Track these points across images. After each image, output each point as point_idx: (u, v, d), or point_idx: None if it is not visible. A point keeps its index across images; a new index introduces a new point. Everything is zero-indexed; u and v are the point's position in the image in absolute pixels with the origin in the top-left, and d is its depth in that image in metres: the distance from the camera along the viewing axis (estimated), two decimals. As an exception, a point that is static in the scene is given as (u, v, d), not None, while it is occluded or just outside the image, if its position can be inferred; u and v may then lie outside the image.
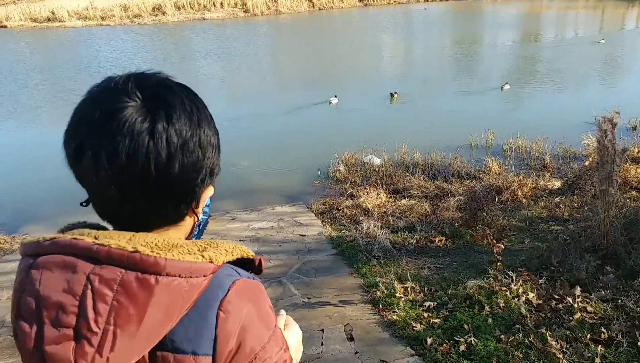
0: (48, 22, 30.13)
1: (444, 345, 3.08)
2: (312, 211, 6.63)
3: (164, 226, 0.79)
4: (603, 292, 3.42)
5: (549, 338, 2.94)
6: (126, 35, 25.90)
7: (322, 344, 3.26)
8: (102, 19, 30.34)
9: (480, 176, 7.45)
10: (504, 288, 3.55)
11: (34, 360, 0.68)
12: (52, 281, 0.69)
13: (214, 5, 32.17)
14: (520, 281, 3.62)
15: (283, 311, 1.03)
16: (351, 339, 3.31)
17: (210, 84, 15.05)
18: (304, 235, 5.57)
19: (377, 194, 6.88)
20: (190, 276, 0.72)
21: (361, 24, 28.70)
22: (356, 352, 3.16)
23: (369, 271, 4.33)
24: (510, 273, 3.68)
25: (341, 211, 6.55)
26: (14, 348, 3.39)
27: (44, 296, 0.68)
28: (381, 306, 3.67)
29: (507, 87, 12.76)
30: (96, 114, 0.72)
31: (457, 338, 3.10)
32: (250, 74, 16.82)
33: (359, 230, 5.43)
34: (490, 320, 3.25)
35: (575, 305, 3.26)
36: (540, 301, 3.42)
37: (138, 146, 0.71)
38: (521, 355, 2.84)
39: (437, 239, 5.24)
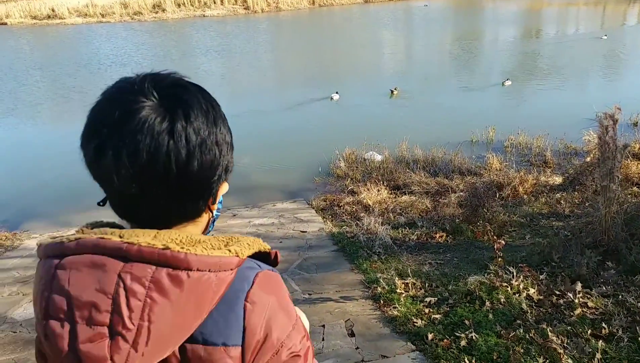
0: (48, 20, 30.10)
1: (445, 340, 3.08)
2: (313, 208, 6.63)
3: (183, 222, 0.81)
4: (604, 288, 3.42)
5: (549, 333, 2.94)
6: (126, 32, 25.86)
7: (323, 340, 3.26)
8: (102, 16, 30.30)
9: (481, 172, 7.45)
10: (505, 284, 3.55)
11: (68, 359, 0.69)
12: (82, 281, 0.70)
13: (214, 2, 32.10)
14: (521, 277, 3.62)
15: None
16: (352, 335, 3.31)
17: (211, 81, 15.03)
18: (305, 231, 5.57)
19: (378, 191, 6.88)
20: (219, 270, 0.74)
21: (362, 20, 28.63)
22: (357, 348, 3.16)
23: (370, 267, 4.34)
24: (511, 268, 3.68)
25: (342, 207, 6.55)
26: (15, 344, 3.40)
27: (75, 296, 0.69)
28: (382, 302, 3.68)
29: (508, 83, 12.73)
30: (115, 114, 0.73)
31: (457, 334, 3.10)
32: (251, 70, 16.80)
33: (360, 226, 5.43)
34: (491, 316, 3.25)
35: (576, 301, 3.26)
36: (541, 297, 3.42)
37: (159, 145, 0.72)
38: (522, 351, 2.85)
39: (437, 235, 5.24)
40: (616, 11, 29.57)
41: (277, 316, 0.80)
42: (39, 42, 24.81)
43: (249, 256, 0.83)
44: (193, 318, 0.73)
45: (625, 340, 2.83)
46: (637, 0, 31.36)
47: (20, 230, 6.28)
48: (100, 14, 30.44)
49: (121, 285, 0.69)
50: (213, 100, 0.82)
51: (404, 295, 3.71)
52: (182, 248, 0.72)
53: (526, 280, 3.59)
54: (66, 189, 7.73)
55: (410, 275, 3.98)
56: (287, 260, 4.67)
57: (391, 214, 6.11)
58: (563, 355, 2.75)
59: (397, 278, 3.93)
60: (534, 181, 6.75)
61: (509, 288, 3.51)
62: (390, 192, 7.01)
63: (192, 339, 0.75)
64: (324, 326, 3.41)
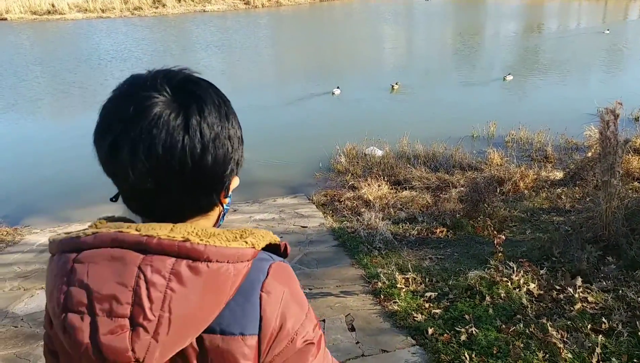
0: (48, 15, 30.01)
1: (445, 335, 3.08)
2: (314, 203, 6.64)
3: (196, 216, 0.83)
4: (604, 283, 3.42)
5: (549, 328, 2.94)
6: (126, 27, 25.80)
7: (323, 334, 3.26)
8: (103, 11, 30.20)
9: (482, 167, 7.44)
10: (505, 279, 3.55)
11: (88, 352, 0.70)
12: (102, 274, 0.71)
13: (215, -3, 31.98)
14: (522, 271, 3.62)
15: None
16: (352, 329, 3.32)
17: (211, 76, 14.81)
18: (306, 227, 5.58)
19: (379, 186, 6.87)
20: (237, 262, 0.76)
21: (362, 15, 28.54)
22: (357, 342, 3.17)
23: (370, 262, 4.34)
24: (511, 263, 3.68)
25: (342, 202, 6.55)
26: (16, 339, 3.41)
27: (95, 289, 0.70)
28: (382, 296, 3.68)
29: (509, 78, 12.69)
30: (130, 109, 0.74)
31: (458, 329, 3.11)
32: (251, 66, 16.77)
33: (360, 221, 5.43)
34: (491, 311, 3.25)
35: (576, 296, 3.26)
36: (541, 292, 3.42)
37: (175, 140, 0.73)
38: (522, 345, 2.85)
39: (438, 230, 5.24)
40: (618, 6, 29.45)
41: (291, 306, 0.82)
42: (39, 37, 24.77)
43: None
44: (212, 309, 0.74)
45: (625, 334, 2.84)
46: (639, -5, 31.20)
47: (21, 225, 6.28)
48: (100, 9, 30.34)
49: (142, 277, 0.70)
50: (224, 95, 0.83)
51: (404, 290, 3.71)
52: (202, 240, 0.73)
53: (526, 275, 3.59)
54: (67, 184, 7.74)
55: (411, 270, 3.99)
56: (287, 255, 4.66)
57: (392, 210, 6.11)
58: (563, 350, 2.76)
59: (397, 273, 3.93)
60: (535, 176, 6.75)
61: (509, 283, 3.51)
62: (390, 187, 7.00)
63: (209, 330, 0.76)
64: (324, 320, 3.42)
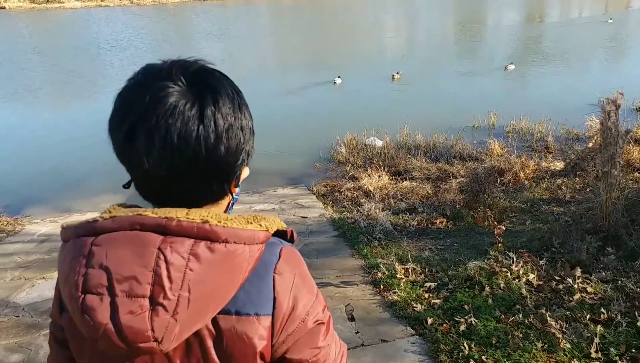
0: (47, 4, 29.82)
1: (444, 325, 3.10)
2: (314, 193, 6.64)
3: (207, 204, 0.84)
4: (603, 273, 3.43)
5: (548, 318, 2.95)
6: (125, 16, 25.63)
7: (323, 324, 3.28)
8: (102, 0, 30.00)
9: (483, 157, 7.43)
10: (505, 269, 3.56)
11: (107, 333, 0.71)
12: (121, 256, 0.73)
13: (214, -14, 31.72)
14: (521, 262, 3.63)
15: None
16: (352, 319, 3.33)
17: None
18: (306, 217, 5.58)
19: (379, 177, 6.87)
20: (252, 244, 0.78)
21: (363, 4, 28.31)
22: (357, 332, 3.18)
23: (370, 253, 4.35)
24: (511, 254, 3.68)
25: (342, 193, 6.55)
26: (18, 329, 3.43)
27: (115, 270, 0.72)
28: (382, 287, 3.69)
29: (511, 67, 12.62)
30: (146, 98, 0.75)
31: (457, 319, 3.12)
32: (251, 54, 16.67)
33: (360, 212, 5.43)
34: (490, 301, 3.26)
35: (576, 286, 3.27)
36: (541, 282, 3.43)
37: (190, 129, 0.75)
38: (521, 335, 2.86)
39: (438, 221, 5.24)
40: (620, -5, 29.18)
41: (301, 287, 0.85)
42: (38, 26, 24.61)
43: None
44: (228, 288, 0.76)
45: (624, 325, 2.85)
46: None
47: (21, 215, 6.29)
48: (99, -3, 30.14)
49: (162, 257, 0.72)
50: (237, 87, 0.84)
51: (404, 280, 3.73)
52: (220, 221, 0.76)
53: (526, 266, 3.60)
54: (67, 174, 7.74)
55: (411, 260, 4.00)
56: (287, 245, 4.67)
57: (392, 200, 6.11)
58: (562, 340, 2.77)
59: (397, 264, 3.94)
60: (535, 166, 6.74)
61: (508, 274, 3.52)
62: (391, 178, 7.00)
63: (224, 311, 0.78)
64: (324, 311, 3.43)
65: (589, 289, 3.27)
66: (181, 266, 0.72)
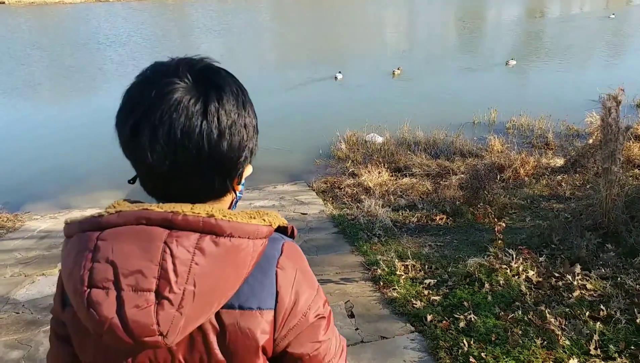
0: (46, -1, 29.71)
1: (444, 321, 3.10)
2: (314, 190, 6.63)
3: (210, 200, 0.85)
4: (603, 270, 3.43)
5: (548, 315, 2.95)
6: (125, 11, 25.56)
7: (322, 321, 3.28)
8: (101, -5, 29.89)
9: (483, 154, 7.42)
10: (504, 266, 3.56)
11: (112, 328, 0.71)
12: (127, 250, 0.73)
13: (214, -19, 31.59)
14: (521, 259, 3.63)
15: None
16: (352, 316, 3.34)
17: (211, 62, 14.85)
18: (306, 214, 5.58)
19: (379, 173, 6.86)
20: (256, 238, 0.79)
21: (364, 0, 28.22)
22: (357, 329, 3.19)
23: (370, 249, 4.35)
24: (510, 251, 3.68)
25: (342, 189, 6.55)
26: (18, 325, 3.43)
27: (121, 264, 0.72)
28: (382, 283, 3.70)
29: (512, 62, 12.59)
30: (152, 94, 0.77)
31: (456, 315, 3.12)
32: (251, 50, 16.63)
33: (360, 209, 5.43)
34: (490, 298, 3.26)
35: (575, 283, 3.27)
36: (540, 279, 3.43)
37: (192, 124, 0.76)
38: (520, 332, 2.87)
39: (438, 217, 5.24)
40: (622, -10, 29.07)
41: (302, 282, 0.86)
42: (38, 22, 24.55)
43: None
44: (232, 282, 0.77)
45: (623, 321, 2.85)
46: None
47: (21, 212, 6.29)
48: (98, -8, 30.02)
49: (168, 251, 0.72)
50: (241, 85, 0.85)
51: (403, 277, 3.73)
52: (225, 216, 0.76)
53: (525, 262, 3.60)
54: (67, 171, 7.73)
55: (410, 257, 4.00)
56: (287, 241, 4.67)
57: (392, 197, 6.11)
58: (561, 337, 2.77)
59: (397, 260, 3.95)
60: (535, 163, 6.73)
61: (508, 270, 3.52)
62: (391, 174, 6.99)
63: (227, 306, 0.79)
64: (324, 307, 3.43)
65: (589, 286, 3.27)
66: (187, 260, 0.72)
